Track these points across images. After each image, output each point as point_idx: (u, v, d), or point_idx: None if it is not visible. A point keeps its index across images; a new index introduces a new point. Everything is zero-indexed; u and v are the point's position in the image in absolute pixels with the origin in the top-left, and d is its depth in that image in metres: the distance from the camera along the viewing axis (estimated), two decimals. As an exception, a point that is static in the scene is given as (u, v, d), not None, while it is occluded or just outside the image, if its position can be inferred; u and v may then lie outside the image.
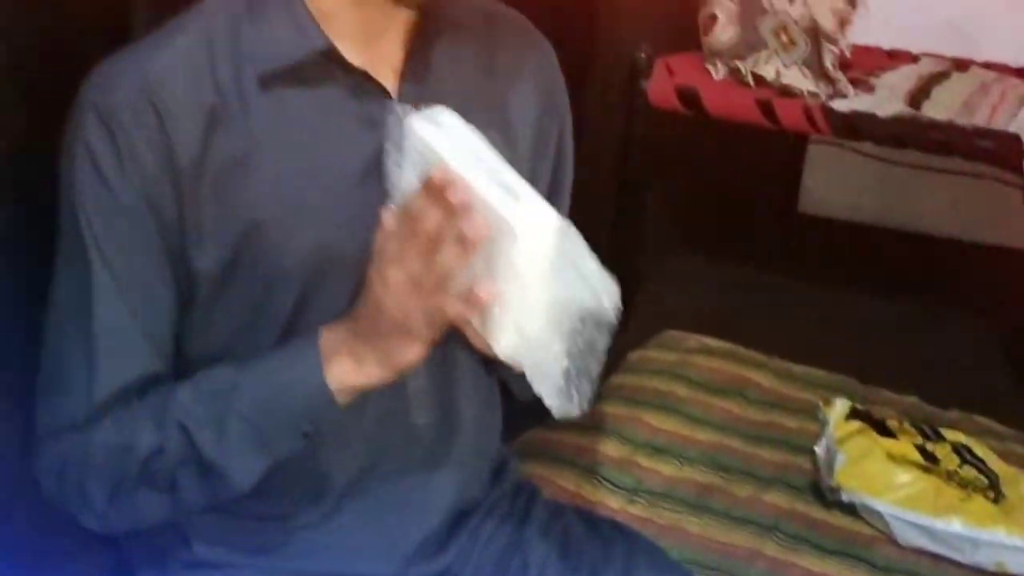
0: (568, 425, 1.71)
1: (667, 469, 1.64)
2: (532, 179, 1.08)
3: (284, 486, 1.03)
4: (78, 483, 0.97)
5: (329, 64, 0.95)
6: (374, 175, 0.95)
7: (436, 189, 0.82)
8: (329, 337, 0.92)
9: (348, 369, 0.91)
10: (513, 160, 1.05)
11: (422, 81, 0.99)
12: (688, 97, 2.19)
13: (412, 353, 0.89)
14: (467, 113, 1.01)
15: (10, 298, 1.11)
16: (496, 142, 1.03)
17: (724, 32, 2.30)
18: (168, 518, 1.02)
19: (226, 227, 0.95)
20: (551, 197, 1.12)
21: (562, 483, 1.56)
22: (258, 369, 0.95)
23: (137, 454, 0.94)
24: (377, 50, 0.97)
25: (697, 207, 2.63)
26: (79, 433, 0.96)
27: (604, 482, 1.59)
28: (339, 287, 0.97)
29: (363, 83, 0.96)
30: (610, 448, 1.67)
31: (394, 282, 0.86)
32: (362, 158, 0.97)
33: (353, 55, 0.96)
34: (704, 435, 1.74)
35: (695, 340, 2.02)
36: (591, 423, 1.71)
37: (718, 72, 2.28)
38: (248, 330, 0.99)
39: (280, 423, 0.93)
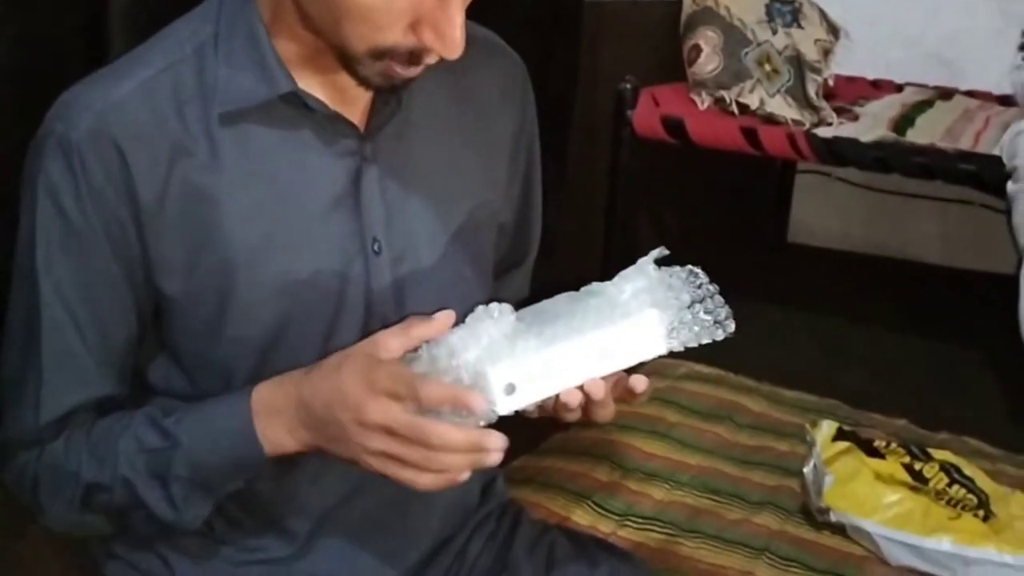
0: (558, 450, 1.71)
1: (658, 493, 1.64)
2: (507, 194, 1.11)
3: (257, 523, 1.04)
4: (31, 490, 0.99)
5: (296, 104, 0.94)
6: (343, 207, 0.96)
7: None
8: (266, 396, 0.92)
9: (281, 436, 0.92)
10: (488, 180, 1.07)
11: (392, 112, 0.98)
12: (673, 126, 2.22)
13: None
14: (441, 139, 1.03)
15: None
16: (473, 164, 1.05)
17: (708, 62, 2.33)
18: (116, 533, 1.04)
19: (194, 260, 0.94)
20: (522, 210, 1.15)
21: (552, 508, 1.56)
22: (193, 423, 0.94)
23: (81, 483, 0.96)
24: (345, 85, 0.95)
25: (686, 235, 2.65)
26: (28, 450, 0.98)
27: (594, 507, 1.59)
28: (310, 319, 0.97)
29: (331, 120, 0.96)
30: (600, 473, 1.66)
31: (373, 449, 0.87)
32: (331, 191, 0.96)
33: (319, 91, 0.95)
34: (694, 459, 1.74)
35: (685, 367, 2.03)
36: (581, 449, 1.71)
37: (703, 102, 2.32)
38: (218, 365, 0.98)
39: (217, 476, 0.95)
